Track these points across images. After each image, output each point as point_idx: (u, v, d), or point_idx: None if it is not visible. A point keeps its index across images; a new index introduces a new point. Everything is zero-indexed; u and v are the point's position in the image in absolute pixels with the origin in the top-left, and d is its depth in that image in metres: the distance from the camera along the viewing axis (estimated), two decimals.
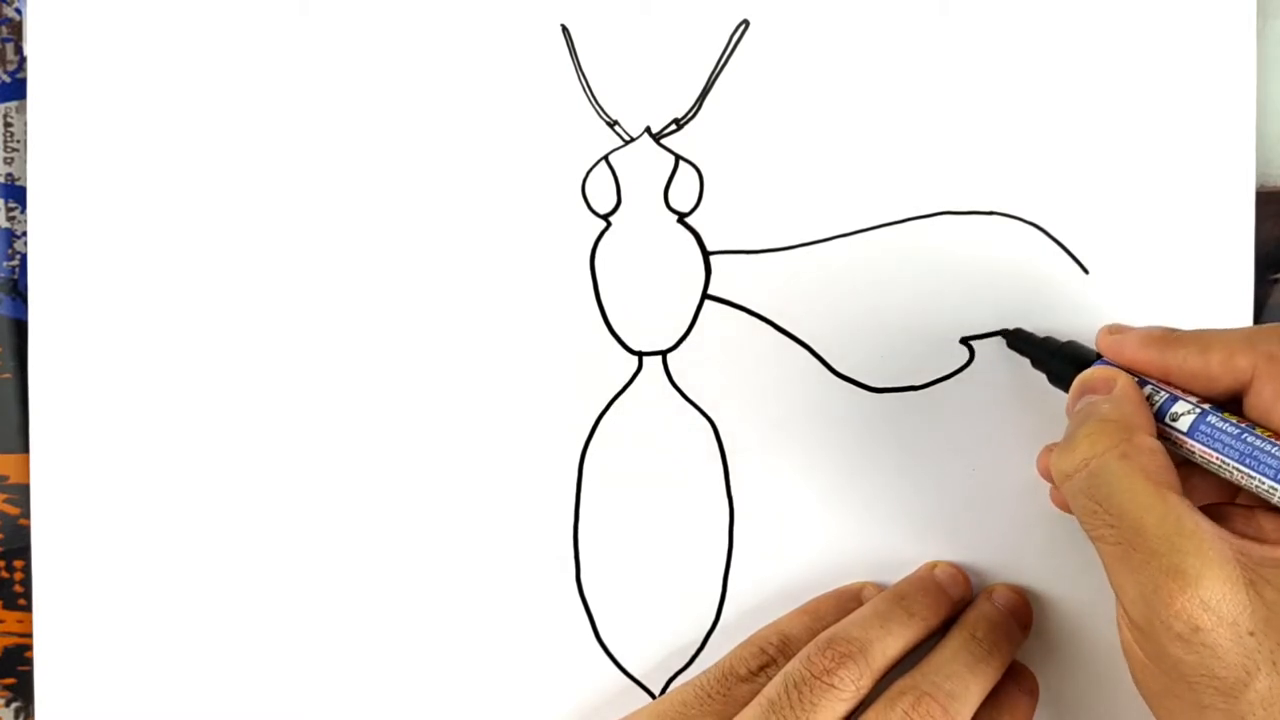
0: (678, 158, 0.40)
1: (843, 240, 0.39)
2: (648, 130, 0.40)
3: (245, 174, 0.40)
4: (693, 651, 0.40)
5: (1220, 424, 0.31)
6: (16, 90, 0.40)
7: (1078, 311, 0.39)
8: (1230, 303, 0.39)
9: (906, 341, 0.39)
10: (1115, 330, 0.35)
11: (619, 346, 0.40)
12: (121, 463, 0.40)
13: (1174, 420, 0.32)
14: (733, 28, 0.39)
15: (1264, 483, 0.30)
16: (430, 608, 0.40)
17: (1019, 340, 0.38)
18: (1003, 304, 0.39)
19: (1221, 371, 0.31)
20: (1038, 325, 0.39)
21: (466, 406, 0.40)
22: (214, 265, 0.40)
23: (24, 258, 0.42)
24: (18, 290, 0.42)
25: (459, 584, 0.40)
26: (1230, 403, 0.32)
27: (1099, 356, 0.35)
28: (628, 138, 0.40)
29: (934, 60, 0.39)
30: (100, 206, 0.40)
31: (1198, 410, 0.31)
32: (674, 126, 0.40)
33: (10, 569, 0.41)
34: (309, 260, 0.40)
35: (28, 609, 0.40)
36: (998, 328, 0.39)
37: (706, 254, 0.40)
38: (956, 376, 0.39)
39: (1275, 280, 0.40)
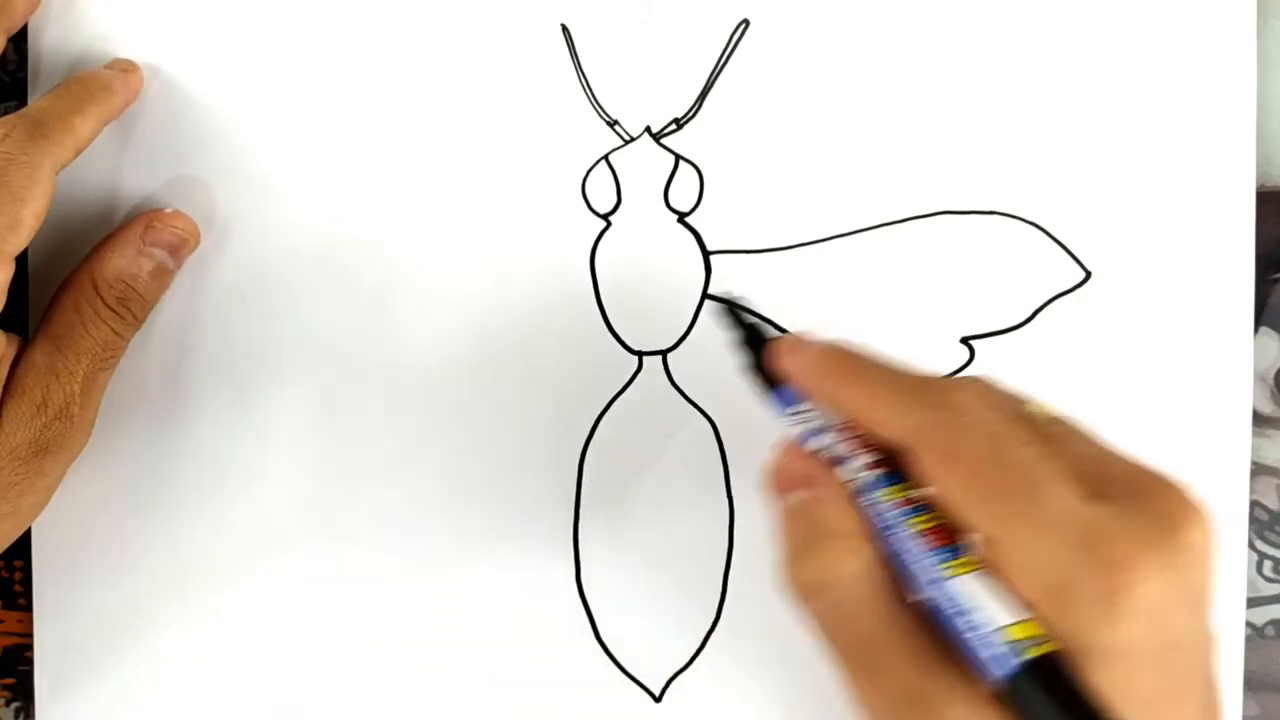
0: (678, 157, 0.40)
1: (843, 240, 0.39)
2: (648, 130, 0.40)
3: (244, 174, 0.40)
4: (693, 651, 0.40)
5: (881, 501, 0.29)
6: (16, 90, 0.40)
7: (1078, 311, 0.39)
8: (1230, 303, 0.39)
9: (906, 341, 0.39)
10: (795, 347, 0.31)
11: (619, 346, 0.40)
12: (121, 463, 0.40)
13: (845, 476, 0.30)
14: (733, 28, 0.39)
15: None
16: (430, 607, 0.40)
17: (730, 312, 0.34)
18: (1003, 304, 0.39)
19: (883, 432, 0.29)
20: (1038, 325, 0.39)
21: (466, 406, 0.40)
22: (214, 267, 0.40)
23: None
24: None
25: (459, 583, 0.40)
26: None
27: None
28: (628, 137, 0.40)
29: (934, 60, 0.39)
30: (100, 206, 0.40)
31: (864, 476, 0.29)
32: (674, 126, 0.40)
33: (10, 569, 0.41)
34: (309, 259, 0.40)
35: (28, 609, 0.40)
36: (998, 328, 0.39)
37: (706, 254, 0.40)
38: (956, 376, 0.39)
39: (1275, 280, 0.40)
